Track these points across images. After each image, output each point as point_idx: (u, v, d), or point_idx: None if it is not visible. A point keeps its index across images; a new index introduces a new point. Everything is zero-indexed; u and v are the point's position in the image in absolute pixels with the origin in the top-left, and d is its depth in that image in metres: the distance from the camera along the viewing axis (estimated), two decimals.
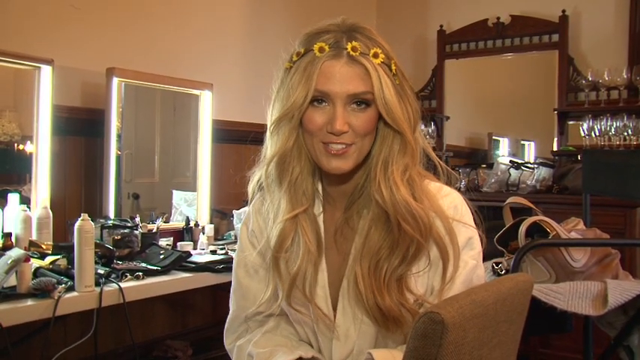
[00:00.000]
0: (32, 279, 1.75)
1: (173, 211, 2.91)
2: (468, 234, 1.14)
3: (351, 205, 1.16)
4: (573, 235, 1.91)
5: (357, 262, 1.11)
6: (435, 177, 1.19)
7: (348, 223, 1.16)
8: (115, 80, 2.53)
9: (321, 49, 1.05)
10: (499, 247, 2.12)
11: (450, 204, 1.15)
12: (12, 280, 1.73)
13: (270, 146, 1.13)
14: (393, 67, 1.08)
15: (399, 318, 1.09)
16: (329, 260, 1.17)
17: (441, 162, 1.19)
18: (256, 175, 1.20)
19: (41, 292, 1.72)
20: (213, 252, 2.48)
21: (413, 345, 0.92)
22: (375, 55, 1.06)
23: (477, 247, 1.16)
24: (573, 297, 1.75)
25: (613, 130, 3.33)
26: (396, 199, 1.07)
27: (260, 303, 1.20)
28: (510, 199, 2.19)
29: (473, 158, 4.24)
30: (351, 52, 1.04)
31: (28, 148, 2.31)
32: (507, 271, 2.01)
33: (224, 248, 2.54)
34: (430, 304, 1.10)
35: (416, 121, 1.12)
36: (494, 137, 4.31)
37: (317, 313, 1.15)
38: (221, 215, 2.98)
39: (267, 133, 1.14)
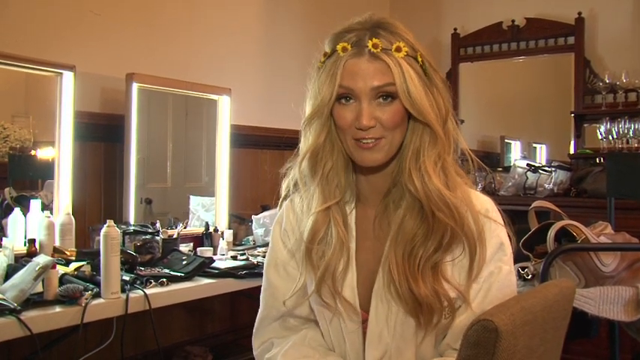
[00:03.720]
0: (58, 286, 1.75)
1: (190, 217, 2.90)
2: (500, 238, 1.14)
3: (386, 198, 1.16)
4: (602, 239, 1.89)
5: (391, 250, 1.11)
6: (466, 173, 1.19)
7: (382, 220, 1.16)
8: (135, 86, 2.52)
9: (344, 49, 1.07)
10: (524, 252, 2.11)
11: (482, 207, 1.14)
12: (38, 287, 1.73)
13: (303, 143, 1.16)
14: (419, 59, 1.08)
15: (432, 306, 1.08)
16: (360, 259, 1.17)
17: (471, 154, 1.19)
18: (291, 173, 1.22)
19: (68, 299, 1.71)
20: (234, 257, 2.47)
21: (465, 354, 0.91)
22: (398, 49, 1.06)
23: (509, 253, 1.15)
24: (604, 302, 1.73)
25: (631, 132, 3.31)
26: (428, 188, 1.08)
27: (293, 292, 1.19)
28: (536, 203, 2.17)
29: (486, 162, 4.20)
30: (372, 49, 1.06)
31: (44, 153, 2.31)
32: (534, 276, 1.99)
33: (244, 254, 2.53)
34: (465, 297, 1.10)
35: (447, 112, 1.12)
36: (506, 140, 4.30)
37: (345, 306, 1.14)
38: (239, 220, 2.97)
39: (302, 131, 1.16)
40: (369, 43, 1.06)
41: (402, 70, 1.05)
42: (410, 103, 1.06)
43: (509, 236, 1.16)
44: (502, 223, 1.16)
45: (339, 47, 1.08)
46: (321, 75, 1.10)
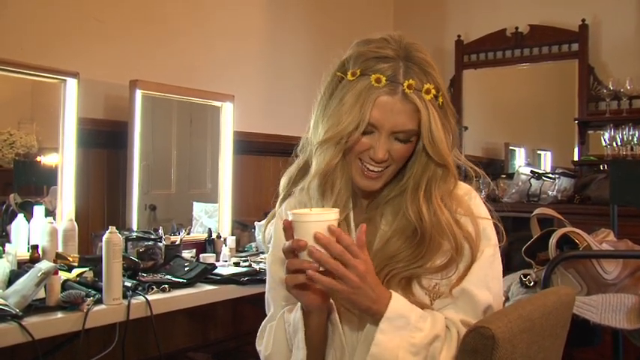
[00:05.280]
0: (60, 291, 1.76)
1: (194, 223, 2.91)
2: (481, 224, 1.16)
3: (375, 207, 1.20)
4: (604, 246, 1.89)
5: None
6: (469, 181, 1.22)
7: (370, 221, 1.19)
8: (138, 92, 2.54)
9: (377, 80, 1.07)
10: (527, 259, 2.10)
11: (465, 193, 1.18)
12: (41, 293, 1.73)
13: (316, 162, 1.16)
14: (441, 100, 1.11)
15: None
16: None
17: (476, 168, 1.22)
18: (289, 172, 1.25)
19: (70, 305, 1.72)
20: (237, 264, 2.47)
21: None
22: (427, 92, 1.08)
23: (492, 237, 1.16)
24: (607, 310, 1.73)
25: (636, 139, 3.30)
26: (440, 220, 1.11)
27: None
28: (538, 210, 2.17)
29: (490, 169, 4.20)
30: (407, 90, 1.07)
31: (48, 160, 2.32)
32: (536, 283, 1.99)
33: (247, 260, 2.53)
34: (446, 295, 1.11)
35: (454, 144, 1.16)
36: (510, 147, 4.29)
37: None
38: (242, 227, 2.97)
39: (314, 147, 1.16)
40: (405, 83, 1.07)
41: (429, 114, 1.08)
42: (431, 146, 1.10)
43: (496, 225, 1.18)
44: (484, 208, 1.18)
45: (373, 77, 1.07)
46: (347, 97, 1.09)
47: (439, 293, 1.11)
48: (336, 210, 1.03)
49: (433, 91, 1.09)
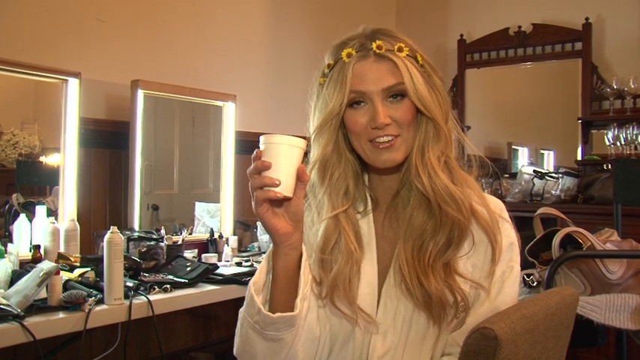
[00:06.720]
0: (62, 291, 1.75)
1: (196, 223, 2.90)
2: (510, 238, 1.15)
3: (395, 199, 1.18)
4: (608, 246, 1.87)
5: (401, 247, 1.12)
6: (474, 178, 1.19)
7: (391, 221, 1.18)
8: (140, 92, 2.53)
9: (348, 55, 1.10)
10: (530, 259, 2.09)
11: (496, 207, 1.16)
12: (42, 293, 1.73)
13: (312, 153, 1.17)
14: (419, 59, 1.12)
15: (442, 300, 1.08)
16: (379, 257, 1.17)
17: (474, 148, 1.21)
18: None
19: (72, 305, 1.71)
20: (239, 264, 2.47)
21: None
22: (400, 50, 1.09)
23: (518, 252, 1.16)
24: (610, 310, 1.72)
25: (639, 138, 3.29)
26: (435, 184, 1.10)
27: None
28: (541, 210, 2.15)
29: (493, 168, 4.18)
30: (377, 50, 1.09)
31: (50, 160, 2.32)
32: (539, 283, 1.98)
33: (249, 260, 2.52)
34: (482, 286, 1.10)
35: (447, 110, 1.15)
36: (513, 146, 4.28)
37: (359, 314, 1.13)
38: (244, 227, 2.97)
39: (311, 142, 1.17)
40: (373, 45, 1.09)
41: (408, 68, 1.09)
42: (418, 99, 1.10)
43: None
44: (512, 225, 1.17)
45: (343, 54, 1.10)
46: (329, 85, 1.12)
47: (466, 304, 1.09)
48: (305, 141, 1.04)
49: (406, 49, 1.09)
